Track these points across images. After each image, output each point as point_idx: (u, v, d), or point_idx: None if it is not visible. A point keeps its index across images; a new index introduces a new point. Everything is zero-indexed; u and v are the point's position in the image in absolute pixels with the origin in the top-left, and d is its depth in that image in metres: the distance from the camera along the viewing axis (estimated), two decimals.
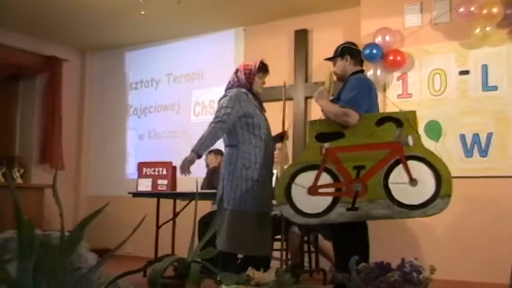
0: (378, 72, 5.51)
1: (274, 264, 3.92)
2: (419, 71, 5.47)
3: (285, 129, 4.15)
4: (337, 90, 3.76)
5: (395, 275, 2.50)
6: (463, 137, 5.17)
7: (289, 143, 4.17)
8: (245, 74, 3.90)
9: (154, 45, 7.77)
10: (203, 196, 4.84)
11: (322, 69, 5.48)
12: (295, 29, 6.59)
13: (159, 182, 5.20)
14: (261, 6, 6.40)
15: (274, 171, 4.10)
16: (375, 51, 5.42)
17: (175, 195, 5.26)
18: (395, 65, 5.48)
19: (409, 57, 5.50)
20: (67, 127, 7.85)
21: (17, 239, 1.91)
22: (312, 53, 6.52)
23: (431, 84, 5.40)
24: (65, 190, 7.45)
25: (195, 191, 3.78)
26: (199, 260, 2.92)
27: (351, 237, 3.50)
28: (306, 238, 5.04)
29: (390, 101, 5.39)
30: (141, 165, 5.39)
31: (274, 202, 3.76)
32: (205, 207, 5.28)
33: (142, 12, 5.97)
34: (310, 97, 6.00)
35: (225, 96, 3.87)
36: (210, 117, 3.84)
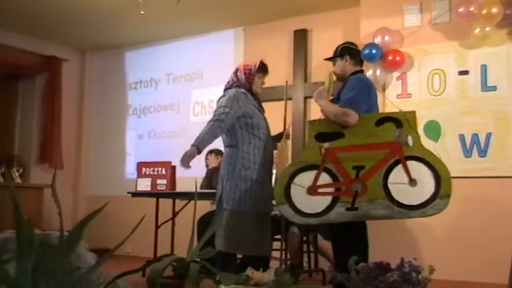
0: (377, 72, 5.51)
1: (274, 264, 3.92)
2: (418, 71, 5.48)
3: (286, 128, 4.15)
4: (337, 90, 3.76)
5: (395, 275, 2.50)
6: (462, 137, 5.17)
7: (289, 143, 4.16)
8: (245, 74, 3.90)
9: (153, 45, 7.77)
10: (202, 196, 4.84)
11: (321, 69, 5.48)
12: (294, 29, 6.59)
13: (159, 181, 5.20)
14: (261, 6, 6.40)
15: (274, 171, 4.09)
16: (374, 51, 5.42)
17: (174, 195, 5.26)
18: (394, 65, 5.48)
19: (408, 57, 5.50)
20: (66, 127, 7.85)
21: (16, 239, 1.91)
22: (312, 53, 6.52)
23: (430, 84, 5.40)
24: (64, 190, 7.46)
25: (194, 190, 3.79)
26: (198, 259, 2.92)
27: (350, 237, 3.50)
28: (305, 238, 5.04)
29: (389, 101, 5.39)
30: (140, 165, 5.39)
31: (274, 202, 3.76)
32: (204, 207, 5.29)
33: (142, 12, 5.97)
34: (310, 97, 6.00)
35: (223, 96, 3.87)
36: (209, 117, 3.83)
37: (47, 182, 6.61)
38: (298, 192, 3.40)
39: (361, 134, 3.39)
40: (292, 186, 3.42)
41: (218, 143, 4.12)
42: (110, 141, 8.03)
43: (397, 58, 5.45)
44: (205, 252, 3.04)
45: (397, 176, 3.29)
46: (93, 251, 2.45)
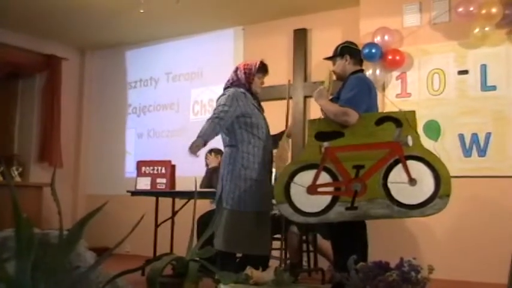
0: (377, 71, 5.51)
1: (273, 263, 3.92)
2: (418, 71, 5.48)
3: (288, 127, 4.15)
4: (337, 89, 3.76)
5: (394, 275, 2.50)
6: (461, 137, 5.17)
7: (290, 141, 4.17)
8: (245, 73, 3.89)
9: (153, 44, 7.77)
10: (202, 195, 4.84)
11: (321, 69, 5.49)
12: (294, 28, 6.59)
13: (158, 180, 5.20)
14: (260, 6, 6.40)
15: (274, 170, 4.10)
16: (374, 51, 5.42)
17: (174, 194, 5.26)
18: (394, 65, 5.48)
19: (408, 57, 5.50)
20: (66, 126, 7.85)
21: (15, 238, 1.90)
22: (311, 52, 6.52)
23: (430, 84, 5.41)
24: (63, 189, 7.46)
25: (193, 190, 3.79)
26: (197, 259, 2.92)
27: (349, 237, 3.50)
28: (304, 237, 5.04)
29: (389, 101, 5.40)
30: (140, 164, 5.39)
31: (273, 201, 3.76)
32: (204, 206, 5.29)
33: (142, 11, 5.96)
34: (309, 96, 6.01)
35: (223, 94, 3.87)
36: (209, 116, 3.83)
37: (46, 181, 6.60)
38: (298, 191, 3.40)
39: (361, 134, 3.39)
40: (292, 185, 3.42)
41: (218, 143, 4.13)
42: (110, 140, 8.03)
43: (397, 58, 5.45)
44: (205, 251, 3.04)
45: (396, 175, 3.29)
46: (93, 250, 2.45)
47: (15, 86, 7.78)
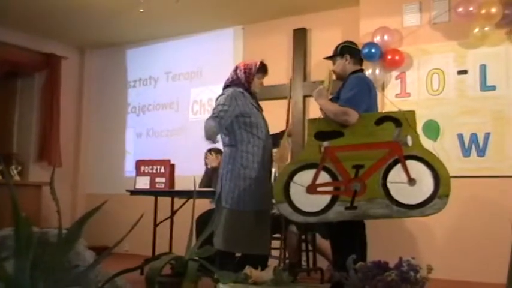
0: (377, 71, 5.51)
1: (272, 262, 3.93)
2: (417, 71, 5.48)
3: (289, 126, 4.15)
4: (336, 89, 3.76)
5: (393, 274, 2.50)
6: (461, 137, 5.18)
7: (290, 141, 4.16)
8: (245, 72, 3.89)
9: (153, 43, 7.76)
10: (201, 194, 4.84)
11: (320, 68, 5.48)
12: (294, 27, 6.59)
13: (157, 180, 5.20)
14: (260, 5, 6.40)
15: (273, 169, 4.10)
16: (373, 51, 5.42)
17: (173, 193, 5.26)
18: (393, 65, 5.49)
19: (407, 57, 5.50)
20: (65, 125, 7.84)
21: (14, 236, 1.91)
22: (311, 52, 6.52)
23: (429, 84, 5.41)
24: (62, 188, 7.45)
25: (193, 189, 3.79)
26: (197, 258, 2.92)
27: (348, 236, 3.50)
28: (303, 237, 5.04)
29: (389, 100, 5.39)
30: (139, 163, 5.39)
31: (273, 201, 3.76)
32: (203, 205, 5.29)
33: (141, 10, 5.97)
34: (309, 96, 6.00)
35: (222, 94, 3.87)
36: (208, 116, 3.82)
37: (45, 180, 6.61)
38: (298, 190, 3.40)
39: (361, 133, 3.38)
40: (292, 184, 3.41)
41: (218, 143, 4.12)
42: (109, 140, 8.02)
43: (396, 57, 5.45)
44: (204, 250, 3.04)
45: (396, 175, 3.29)
46: (92, 249, 2.45)
47: (14, 84, 7.77)
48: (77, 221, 2.07)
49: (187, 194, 5.10)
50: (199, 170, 5.79)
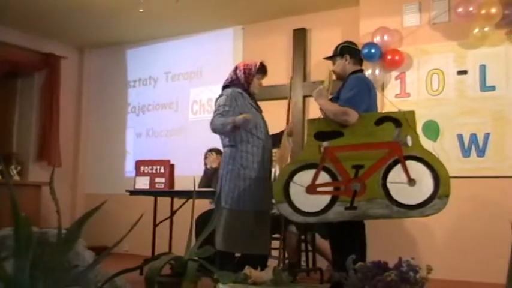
0: (376, 71, 5.51)
1: (272, 263, 3.93)
2: (417, 71, 5.48)
3: (288, 125, 4.14)
4: (336, 89, 3.76)
5: (392, 275, 2.50)
6: (460, 137, 5.17)
7: (291, 140, 4.16)
8: (244, 73, 3.90)
9: (152, 43, 7.76)
10: (201, 195, 4.84)
11: (320, 68, 5.48)
12: (293, 27, 6.59)
13: (157, 180, 5.20)
14: (260, 5, 6.40)
15: (273, 169, 4.10)
16: (373, 51, 5.42)
17: (172, 194, 5.26)
18: (393, 65, 5.48)
19: (407, 57, 5.50)
20: (65, 124, 7.83)
21: (14, 236, 1.90)
22: (311, 52, 6.51)
23: (429, 84, 5.41)
24: (62, 188, 7.45)
25: (192, 189, 3.79)
26: (196, 258, 2.92)
27: (348, 236, 3.50)
28: (303, 237, 5.04)
29: (388, 101, 5.39)
30: (139, 163, 5.39)
31: (273, 201, 3.76)
32: (203, 205, 5.29)
33: (141, 10, 5.96)
34: (309, 96, 6.00)
35: (221, 95, 3.88)
36: (208, 116, 3.84)
37: (45, 180, 6.61)
38: (297, 190, 3.40)
39: (361, 133, 3.39)
40: (291, 184, 3.41)
41: (218, 143, 4.12)
42: (109, 139, 8.02)
43: (396, 58, 5.45)
44: (204, 250, 3.05)
45: (396, 175, 3.29)
46: (91, 249, 2.45)
47: (14, 84, 7.77)
48: (76, 221, 2.07)
49: (186, 194, 5.10)
50: (198, 170, 5.79)
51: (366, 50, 5.36)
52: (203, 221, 4.44)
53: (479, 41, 5.11)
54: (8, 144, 7.59)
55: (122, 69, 8.10)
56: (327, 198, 3.37)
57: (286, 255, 4.90)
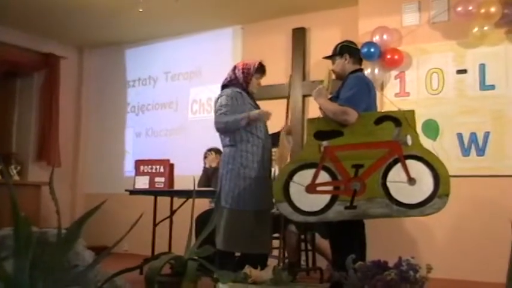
0: (376, 70, 5.51)
1: (272, 262, 3.93)
2: (417, 70, 5.48)
3: (288, 123, 4.14)
4: (336, 88, 3.76)
5: (392, 274, 2.50)
6: (460, 136, 5.18)
7: (291, 139, 4.15)
8: (243, 72, 3.90)
9: (152, 42, 7.76)
10: (200, 194, 4.84)
11: (320, 68, 5.48)
12: (293, 27, 6.59)
13: (157, 179, 5.20)
14: (259, 5, 6.40)
15: (273, 168, 4.10)
16: (372, 50, 5.42)
17: (172, 193, 5.26)
18: (393, 64, 5.48)
19: (406, 56, 5.50)
20: (64, 124, 7.83)
21: (13, 236, 1.90)
22: (310, 51, 6.51)
23: (428, 83, 5.41)
24: (62, 187, 7.45)
25: (192, 188, 3.79)
26: (196, 257, 2.92)
27: (348, 236, 3.50)
28: (303, 236, 5.04)
29: (388, 100, 5.39)
30: (138, 163, 5.39)
31: (273, 200, 3.76)
32: (202, 205, 5.29)
33: (141, 10, 5.96)
34: (308, 95, 6.00)
35: (221, 96, 3.88)
36: (207, 115, 3.85)
37: (44, 180, 6.62)
38: (297, 190, 3.40)
39: (360, 133, 3.38)
40: (291, 184, 3.41)
41: (217, 142, 4.12)
42: (108, 139, 8.01)
43: (396, 57, 5.45)
44: (203, 250, 3.04)
45: (396, 174, 3.29)
46: (91, 248, 2.45)
47: (13, 84, 7.76)
48: (76, 221, 2.07)
49: (186, 194, 5.10)
50: (198, 170, 5.79)
51: (365, 49, 5.36)
52: (203, 220, 4.44)
53: (479, 40, 5.11)
54: (8, 144, 7.58)
55: (121, 69, 8.10)
56: (326, 198, 3.37)
57: (286, 254, 4.90)
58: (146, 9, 6.08)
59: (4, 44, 7.12)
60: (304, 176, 3.41)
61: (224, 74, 4.05)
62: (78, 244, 2.31)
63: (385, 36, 5.51)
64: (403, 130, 3.33)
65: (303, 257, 5.19)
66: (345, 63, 3.76)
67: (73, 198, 7.95)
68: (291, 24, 6.60)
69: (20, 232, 1.88)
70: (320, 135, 3.45)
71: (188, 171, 5.32)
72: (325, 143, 3.41)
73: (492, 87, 5.11)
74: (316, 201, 3.37)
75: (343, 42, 3.90)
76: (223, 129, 3.78)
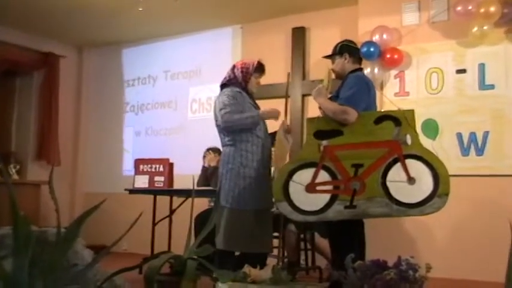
0: (376, 70, 5.51)
1: (271, 261, 3.93)
2: (416, 70, 5.48)
3: (287, 123, 4.13)
4: (336, 88, 3.76)
5: (392, 273, 2.50)
6: (459, 136, 5.18)
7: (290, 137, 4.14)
8: (242, 72, 3.90)
9: (151, 42, 7.75)
10: (200, 193, 4.84)
11: (319, 67, 5.48)
12: (292, 26, 6.58)
13: (156, 178, 5.20)
14: (259, 4, 6.39)
15: (272, 168, 4.09)
16: (372, 49, 5.42)
17: (172, 192, 5.25)
18: (392, 63, 5.49)
19: (406, 56, 5.50)
20: (64, 123, 7.83)
21: (13, 235, 1.90)
22: (310, 50, 6.51)
23: (428, 83, 5.41)
24: (61, 186, 7.44)
25: (191, 188, 3.79)
26: (195, 257, 2.92)
27: (347, 235, 3.50)
28: (302, 236, 5.04)
29: (388, 99, 5.40)
30: (137, 162, 5.39)
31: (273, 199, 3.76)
32: (202, 204, 5.29)
33: (140, 9, 5.96)
34: (308, 95, 6.00)
35: (222, 95, 3.87)
36: (207, 114, 3.85)
37: (44, 179, 6.63)
38: (297, 189, 3.40)
39: (360, 132, 3.39)
40: (291, 183, 3.41)
41: (217, 142, 4.12)
42: (107, 138, 8.01)
43: (395, 56, 5.45)
44: (203, 249, 3.04)
45: (395, 174, 3.29)
46: (90, 247, 2.45)
47: (13, 83, 7.76)
48: (75, 220, 2.07)
49: (186, 193, 5.10)
50: (198, 169, 5.79)
51: (365, 49, 5.36)
52: (202, 219, 4.44)
53: (478, 39, 5.11)
54: (7, 143, 7.58)
55: (120, 68, 8.10)
56: (326, 197, 3.37)
57: (286, 253, 4.90)
58: (146, 9, 6.08)
59: (4, 43, 7.11)
60: (304, 176, 3.41)
61: (224, 73, 4.05)
62: (78, 243, 2.31)
63: (384, 36, 5.51)
64: (402, 129, 3.33)
65: (303, 256, 5.19)
66: (344, 63, 3.76)
67: (72, 197, 7.95)
68: (290, 23, 6.59)
69: (19, 231, 1.88)
70: (320, 135, 3.45)
71: (188, 171, 5.33)
72: (324, 142, 3.41)
73: (492, 86, 5.11)
74: (316, 201, 3.37)
75: (342, 41, 3.90)
76: (230, 128, 3.77)
